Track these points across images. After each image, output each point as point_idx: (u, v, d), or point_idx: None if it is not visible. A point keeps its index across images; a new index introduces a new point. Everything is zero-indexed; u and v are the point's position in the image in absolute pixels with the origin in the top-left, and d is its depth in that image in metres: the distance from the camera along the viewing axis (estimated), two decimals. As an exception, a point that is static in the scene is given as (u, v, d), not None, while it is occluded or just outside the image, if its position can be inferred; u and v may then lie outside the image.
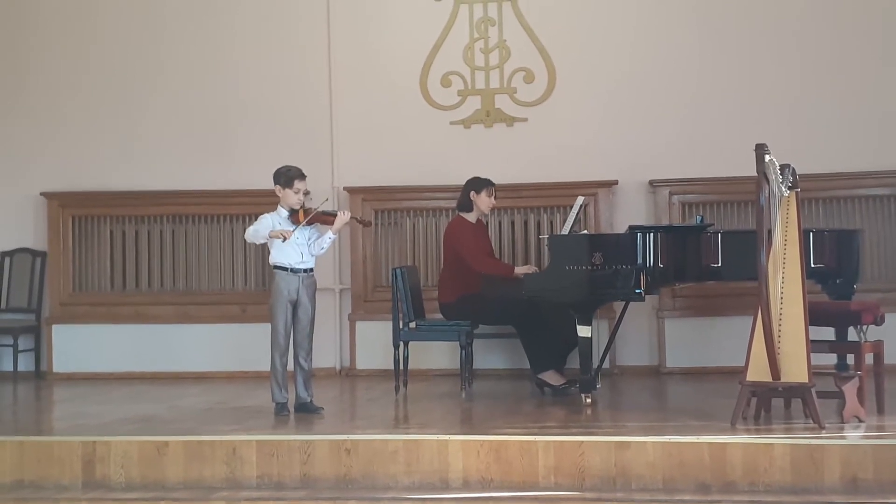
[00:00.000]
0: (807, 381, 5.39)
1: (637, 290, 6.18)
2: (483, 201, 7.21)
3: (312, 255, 6.31)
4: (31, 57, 8.74)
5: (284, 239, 6.11)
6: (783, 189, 5.62)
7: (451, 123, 8.44)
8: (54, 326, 8.45)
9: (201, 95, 8.61)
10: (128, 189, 8.53)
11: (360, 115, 8.47)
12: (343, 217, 6.31)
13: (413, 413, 6.53)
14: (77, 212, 8.55)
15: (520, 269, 7.02)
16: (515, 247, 8.24)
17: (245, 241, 6.71)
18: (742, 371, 5.57)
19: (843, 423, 5.45)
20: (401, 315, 7.05)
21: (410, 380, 7.21)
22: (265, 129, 8.50)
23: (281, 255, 6.22)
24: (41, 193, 8.57)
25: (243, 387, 7.59)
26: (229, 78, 8.59)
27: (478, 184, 7.22)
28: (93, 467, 5.39)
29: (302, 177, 6.28)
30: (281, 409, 6.17)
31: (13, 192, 8.65)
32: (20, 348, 8.30)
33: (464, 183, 7.32)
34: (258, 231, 6.19)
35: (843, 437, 5.18)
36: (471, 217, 7.26)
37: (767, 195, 5.58)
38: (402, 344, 7.09)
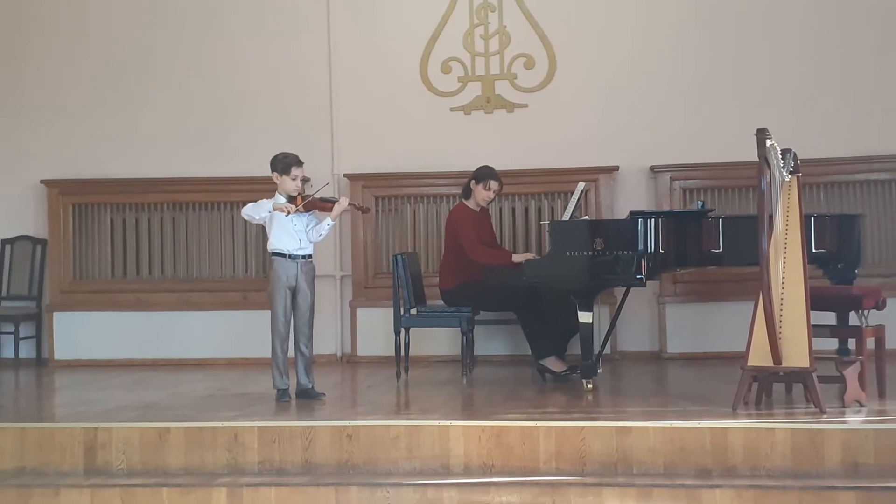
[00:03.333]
0: (808, 365, 5.38)
1: (638, 276, 6.16)
2: (479, 193, 7.18)
3: (311, 242, 6.30)
4: (30, 45, 8.73)
5: (287, 213, 6.10)
6: (784, 174, 5.61)
7: (452, 110, 8.43)
8: (55, 314, 8.46)
9: (201, 82, 8.60)
10: (128, 176, 8.52)
11: (360, 101, 8.45)
12: (342, 203, 6.31)
13: (414, 399, 6.53)
14: (77, 199, 8.55)
15: (517, 257, 6.99)
16: (516, 233, 8.24)
17: (245, 220, 6.65)
18: (743, 356, 5.56)
19: (844, 407, 5.45)
20: (402, 301, 7.04)
21: (411, 366, 7.22)
22: (265, 116, 8.49)
23: (279, 241, 6.21)
24: (41, 181, 8.57)
25: (244, 373, 7.60)
26: (229, 65, 8.58)
27: (479, 174, 7.19)
28: (94, 454, 5.40)
29: (299, 163, 6.26)
30: (282, 395, 6.18)
31: (13, 180, 8.65)
32: (21, 335, 8.33)
33: (469, 169, 7.31)
34: (260, 206, 6.18)
35: (844, 422, 5.17)
36: (472, 204, 7.25)
37: (769, 180, 5.56)
38: (402, 330, 7.09)
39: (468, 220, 7.15)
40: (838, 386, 5.57)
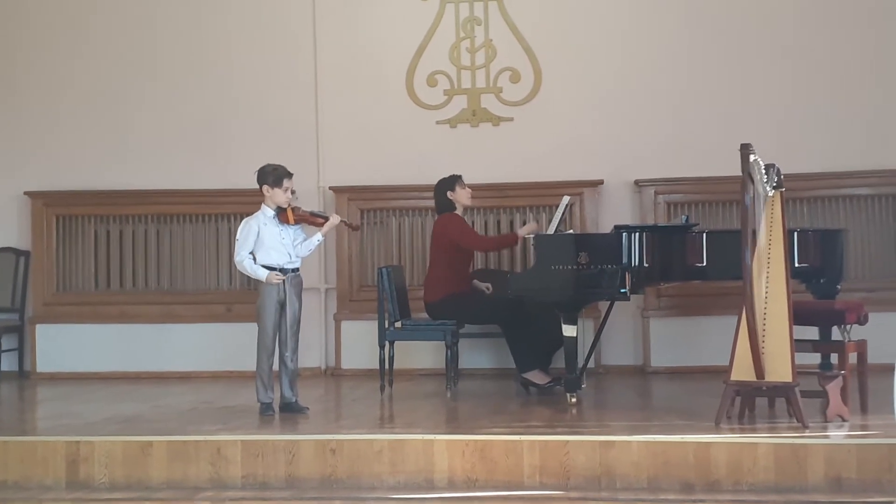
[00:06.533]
0: (791, 380, 5.40)
1: (622, 290, 6.18)
2: (461, 195, 7.22)
3: (298, 256, 6.30)
4: (18, 55, 8.69)
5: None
6: (768, 189, 5.65)
7: (438, 123, 8.44)
8: (38, 326, 8.40)
9: (187, 95, 8.58)
10: (112, 188, 8.48)
11: (346, 114, 8.46)
12: (333, 220, 6.33)
13: (398, 413, 6.52)
14: (61, 211, 8.51)
15: (523, 231, 7.01)
16: (501, 246, 8.24)
17: (228, 232, 6.65)
18: (726, 370, 5.58)
19: (826, 422, 5.48)
20: (386, 314, 7.04)
21: (396, 379, 7.20)
22: (251, 128, 8.48)
23: (268, 256, 6.19)
24: (25, 192, 8.52)
25: (228, 386, 7.57)
26: (216, 78, 8.57)
27: (449, 182, 7.22)
28: (77, 467, 5.37)
29: (289, 175, 6.27)
30: (266, 408, 6.16)
31: (-3, 191, 8.61)
32: (3, 348, 8.26)
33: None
34: (243, 264, 6.19)
35: (826, 437, 5.20)
36: (458, 211, 7.26)
37: (752, 195, 5.59)
38: (387, 343, 7.08)
39: (460, 221, 7.17)
40: (821, 401, 5.60)
